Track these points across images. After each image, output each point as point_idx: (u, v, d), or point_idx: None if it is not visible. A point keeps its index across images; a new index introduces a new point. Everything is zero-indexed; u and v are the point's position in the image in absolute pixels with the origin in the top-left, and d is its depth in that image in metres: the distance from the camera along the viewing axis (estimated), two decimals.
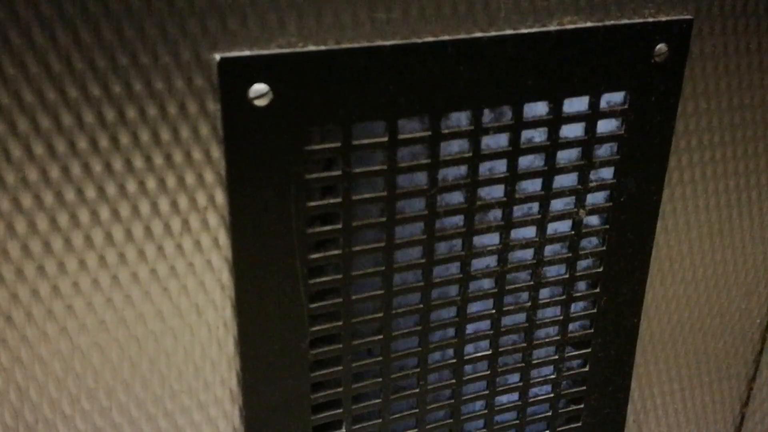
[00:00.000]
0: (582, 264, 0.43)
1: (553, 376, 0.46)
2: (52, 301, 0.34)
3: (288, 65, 0.33)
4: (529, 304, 0.43)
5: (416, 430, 0.43)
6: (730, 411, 0.56)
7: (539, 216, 0.41)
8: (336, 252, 0.37)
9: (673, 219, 0.45)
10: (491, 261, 0.41)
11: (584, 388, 0.47)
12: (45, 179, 0.32)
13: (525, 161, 0.40)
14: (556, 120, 0.39)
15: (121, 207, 0.33)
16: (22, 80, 0.30)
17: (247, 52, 0.32)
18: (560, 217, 0.41)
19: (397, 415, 0.42)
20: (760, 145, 0.46)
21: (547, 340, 0.44)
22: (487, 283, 0.42)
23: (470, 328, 0.42)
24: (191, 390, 0.38)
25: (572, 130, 0.40)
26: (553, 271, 0.43)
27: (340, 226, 0.37)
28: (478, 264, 0.41)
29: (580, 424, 0.48)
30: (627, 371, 0.48)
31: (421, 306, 0.40)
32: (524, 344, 0.44)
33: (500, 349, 0.43)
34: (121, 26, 0.30)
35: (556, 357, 0.45)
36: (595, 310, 0.45)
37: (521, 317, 0.43)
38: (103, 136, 0.32)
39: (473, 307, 0.42)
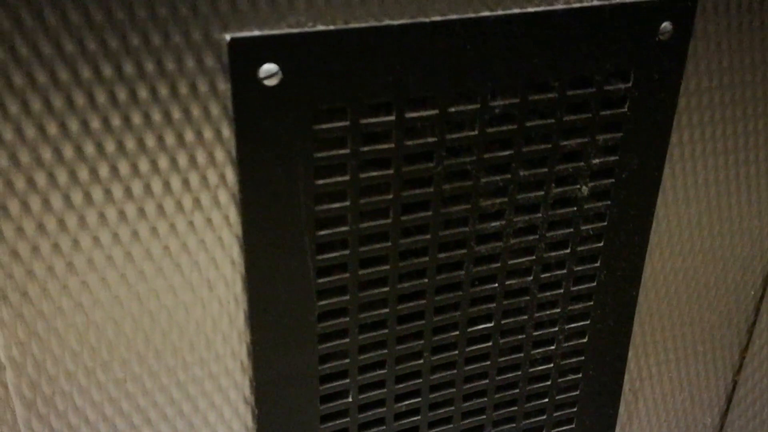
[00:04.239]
0: (583, 239, 0.44)
1: (552, 347, 0.47)
2: (67, 276, 0.35)
3: (297, 45, 0.33)
4: (531, 278, 0.44)
5: (420, 399, 0.45)
6: (723, 378, 0.58)
7: (542, 193, 0.42)
8: (344, 229, 0.38)
9: (673, 194, 0.46)
10: (495, 237, 0.42)
11: (582, 358, 0.48)
12: (59, 158, 0.32)
13: (529, 139, 0.40)
14: (561, 99, 0.39)
15: (133, 185, 0.34)
16: (35, 61, 0.30)
17: (257, 32, 0.33)
18: (563, 193, 0.42)
19: (401, 385, 0.44)
20: (759, 122, 0.46)
21: (548, 312, 0.46)
22: (491, 260, 0.42)
23: (474, 304, 0.43)
24: (203, 361, 0.39)
25: (577, 109, 0.40)
26: (555, 247, 0.44)
27: (348, 203, 0.37)
28: (482, 240, 0.42)
29: (578, 392, 0.49)
30: (624, 342, 0.49)
31: (426, 281, 0.41)
32: (525, 317, 0.45)
33: (502, 322, 0.45)
34: (132, 6, 0.30)
35: (556, 329, 0.46)
36: (595, 284, 0.46)
37: (524, 291, 0.44)
38: (116, 116, 0.32)
39: (478, 284, 0.43)
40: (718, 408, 0.60)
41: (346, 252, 0.39)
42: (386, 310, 0.41)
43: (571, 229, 0.44)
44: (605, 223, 0.44)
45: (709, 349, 0.56)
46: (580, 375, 0.49)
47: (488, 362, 0.46)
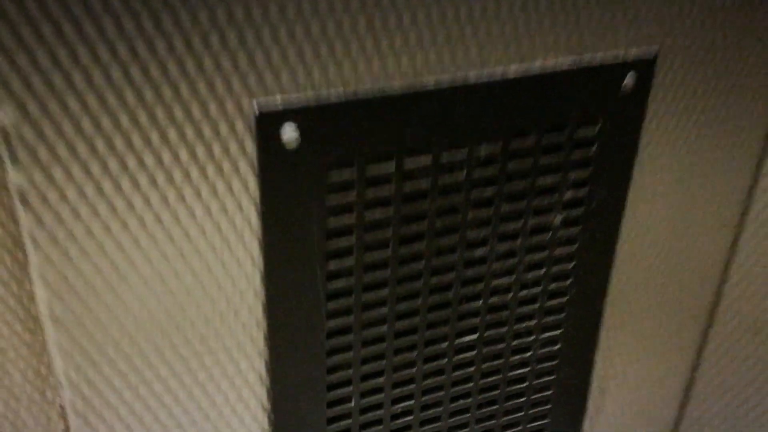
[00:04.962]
0: (556, 261, 0.50)
1: (529, 354, 0.54)
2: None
3: (314, 114, 0.39)
4: (510, 295, 0.50)
5: (413, 401, 0.51)
6: (682, 375, 0.65)
7: (521, 223, 0.48)
8: (350, 261, 0.44)
9: (634, 219, 0.52)
10: (481, 262, 0.48)
11: (555, 362, 0.55)
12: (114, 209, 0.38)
13: (510, 178, 0.46)
14: (538, 144, 0.45)
15: (174, 233, 0.39)
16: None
17: (279, 99, 0.38)
18: (539, 223, 0.48)
19: (397, 390, 0.50)
20: (717, 152, 0.53)
21: (525, 324, 0.52)
22: (476, 281, 0.49)
23: (461, 319, 0.50)
24: (227, 376, 0.45)
25: (551, 151, 0.46)
26: (531, 268, 0.50)
27: (354, 239, 0.43)
28: (469, 264, 0.48)
29: (551, 392, 0.56)
30: (592, 348, 0.56)
31: (420, 302, 0.47)
32: (506, 329, 0.51)
33: (485, 333, 0.51)
34: (178, 86, 0.36)
35: (532, 338, 0.53)
36: (566, 299, 0.52)
37: (504, 307, 0.51)
38: (160, 174, 0.38)
39: (465, 302, 0.49)
40: (677, 401, 0.67)
41: (352, 280, 0.45)
42: (385, 328, 0.47)
43: (546, 253, 0.50)
44: (575, 246, 0.50)
45: (667, 350, 0.63)
46: (553, 377, 0.56)
47: (473, 368, 0.52)
